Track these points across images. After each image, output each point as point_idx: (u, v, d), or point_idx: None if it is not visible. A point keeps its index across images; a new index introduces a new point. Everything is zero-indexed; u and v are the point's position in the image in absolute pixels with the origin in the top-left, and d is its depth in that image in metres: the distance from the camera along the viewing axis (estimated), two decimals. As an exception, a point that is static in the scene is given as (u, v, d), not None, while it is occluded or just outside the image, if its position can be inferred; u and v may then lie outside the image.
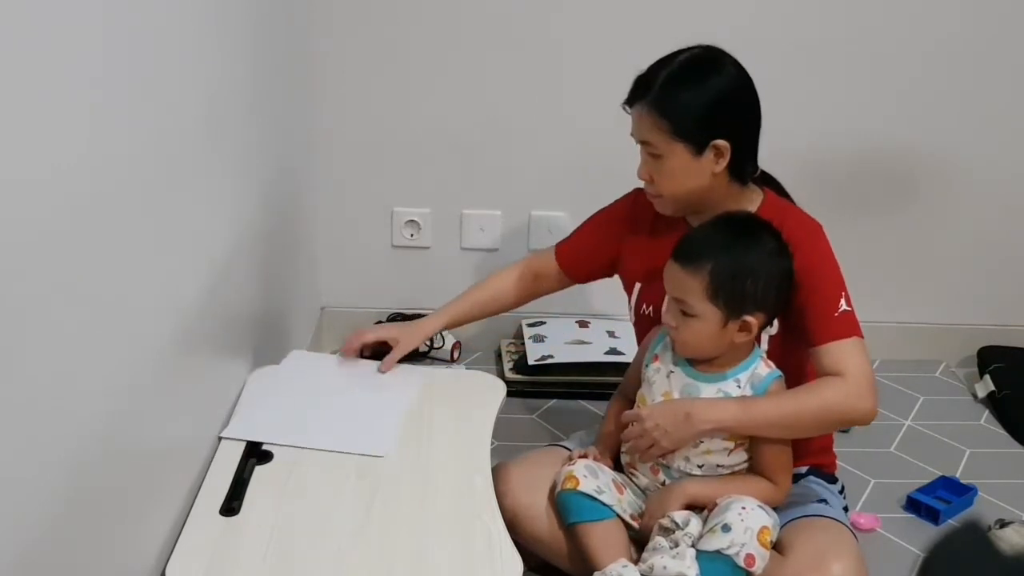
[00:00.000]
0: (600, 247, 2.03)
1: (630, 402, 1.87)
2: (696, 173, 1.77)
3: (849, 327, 1.75)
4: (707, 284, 1.67)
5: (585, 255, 2.05)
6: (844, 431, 2.42)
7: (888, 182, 2.74)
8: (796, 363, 1.81)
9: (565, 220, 2.72)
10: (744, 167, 1.81)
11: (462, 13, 2.59)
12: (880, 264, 2.78)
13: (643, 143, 1.79)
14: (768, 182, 1.91)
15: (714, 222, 1.76)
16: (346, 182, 2.72)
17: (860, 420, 1.77)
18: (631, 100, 1.79)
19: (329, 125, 2.65)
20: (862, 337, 1.76)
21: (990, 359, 2.70)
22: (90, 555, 1.23)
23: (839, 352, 1.73)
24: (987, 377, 2.65)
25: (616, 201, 2.02)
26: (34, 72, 1.02)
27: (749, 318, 1.69)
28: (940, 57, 2.63)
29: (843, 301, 1.76)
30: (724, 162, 1.76)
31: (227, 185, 1.80)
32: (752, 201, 1.85)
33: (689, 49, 1.79)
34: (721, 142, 1.75)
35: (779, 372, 1.76)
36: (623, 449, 1.86)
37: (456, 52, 2.62)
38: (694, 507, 1.72)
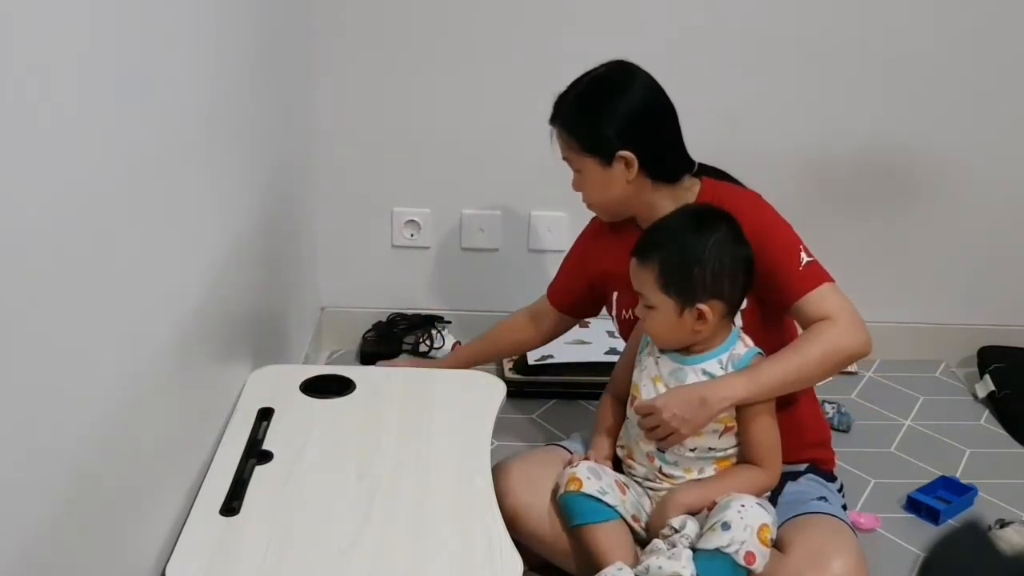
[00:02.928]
0: (579, 275, 2.11)
1: (619, 401, 1.89)
2: (611, 183, 1.87)
3: (817, 276, 1.80)
4: (657, 275, 1.72)
5: (569, 287, 2.14)
6: (842, 430, 2.43)
7: (888, 182, 2.74)
8: (775, 335, 1.84)
9: (565, 220, 2.72)
10: (664, 169, 1.88)
11: (462, 13, 2.59)
12: (880, 264, 2.78)
13: (564, 159, 1.92)
14: (708, 172, 1.95)
15: (669, 215, 1.81)
16: (346, 182, 2.72)
17: (860, 354, 1.80)
18: (551, 120, 1.92)
19: (329, 125, 2.65)
20: (833, 281, 1.81)
21: (990, 359, 2.70)
22: (90, 555, 1.23)
23: (817, 300, 1.78)
24: (987, 377, 2.65)
25: (582, 232, 2.13)
26: (32, 71, 1.02)
27: (703, 307, 1.71)
28: (941, 58, 2.63)
29: (803, 254, 1.81)
30: (633, 171, 1.84)
31: (227, 185, 1.80)
32: (689, 194, 1.90)
33: (598, 68, 1.89)
34: (626, 153, 1.83)
35: (758, 349, 1.78)
36: (623, 445, 1.86)
37: (456, 52, 2.62)
38: (691, 514, 1.73)
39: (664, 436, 1.75)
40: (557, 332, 2.23)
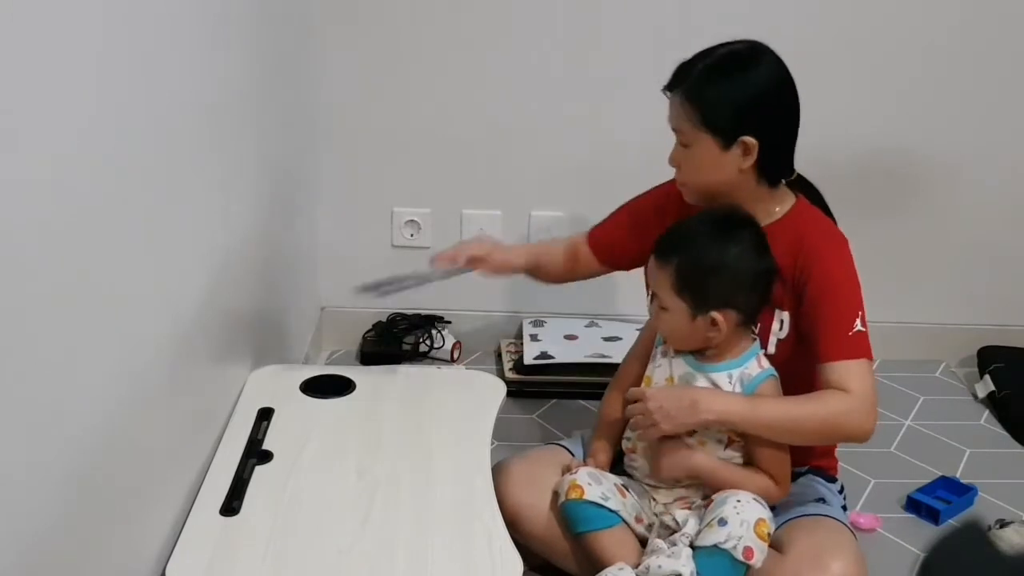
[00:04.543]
0: (630, 235, 1.98)
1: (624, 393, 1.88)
2: (721, 167, 1.75)
3: (860, 348, 1.73)
4: (673, 279, 1.70)
5: (616, 242, 2.02)
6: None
7: (888, 182, 2.74)
8: (804, 370, 1.77)
9: (565, 220, 2.72)
10: (774, 168, 1.79)
11: (462, 13, 2.59)
12: (880, 264, 2.75)
13: (675, 130, 1.78)
14: (805, 187, 1.88)
15: (695, 217, 1.76)
16: (346, 182, 2.72)
17: (858, 439, 1.75)
18: (671, 86, 1.78)
19: (329, 125, 2.65)
20: (872, 359, 1.74)
21: (990, 359, 2.70)
22: (90, 555, 1.23)
23: (846, 371, 1.71)
24: (987, 377, 2.65)
25: (650, 190, 1.99)
26: (33, 72, 1.02)
27: (716, 315, 1.69)
28: (940, 57, 2.63)
29: (858, 321, 1.73)
30: (751, 160, 1.74)
31: (227, 185, 1.80)
32: (781, 205, 1.82)
33: (733, 42, 1.78)
34: (749, 139, 1.72)
35: (773, 371, 1.76)
36: (629, 437, 1.85)
37: (456, 52, 2.62)
38: (689, 505, 1.74)
39: (645, 427, 1.74)
40: (586, 275, 2.09)
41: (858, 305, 1.75)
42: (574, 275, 2.10)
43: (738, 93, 1.73)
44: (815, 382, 1.75)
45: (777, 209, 1.82)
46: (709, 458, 1.74)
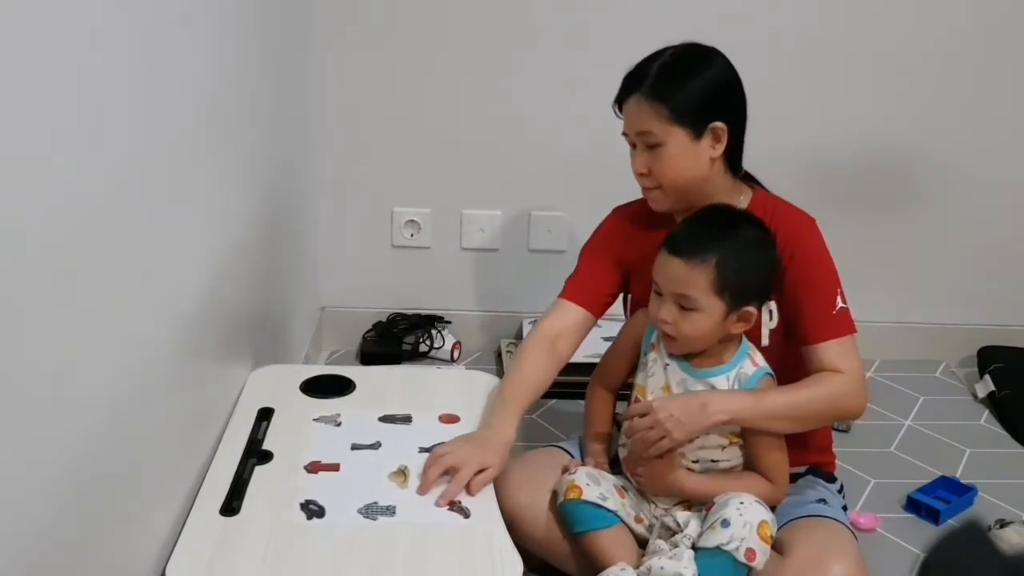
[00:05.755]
0: (608, 270, 1.95)
1: (610, 392, 1.91)
2: (695, 159, 1.77)
3: (845, 325, 1.78)
4: (713, 278, 1.66)
5: (596, 285, 1.95)
6: (842, 429, 2.42)
7: (888, 182, 2.74)
8: (795, 357, 1.80)
9: (565, 220, 2.72)
10: (738, 155, 1.83)
11: (462, 14, 2.59)
12: (880, 264, 2.78)
13: (640, 134, 1.78)
14: (751, 181, 1.91)
15: (703, 215, 1.75)
16: (346, 182, 2.72)
17: (856, 415, 1.82)
18: (626, 94, 1.80)
19: (329, 125, 2.65)
20: (856, 332, 1.80)
21: (990, 359, 2.70)
22: (90, 555, 1.23)
23: (837, 350, 1.76)
24: (987, 377, 2.65)
25: (600, 225, 2.00)
26: (34, 72, 1.02)
27: (749, 308, 1.69)
28: (940, 57, 2.63)
29: (839, 298, 1.79)
30: (721, 147, 1.78)
31: (227, 185, 1.80)
32: (743, 196, 1.86)
33: (675, 45, 1.82)
34: (719, 124, 1.76)
35: (768, 369, 1.76)
36: (624, 444, 1.83)
37: (457, 52, 2.62)
38: (690, 506, 1.74)
39: (656, 440, 1.71)
40: (577, 346, 1.96)
41: (836, 283, 1.80)
42: (562, 362, 1.93)
43: (701, 84, 1.77)
44: (805, 364, 1.78)
45: (742, 198, 1.85)
46: (700, 479, 1.74)
